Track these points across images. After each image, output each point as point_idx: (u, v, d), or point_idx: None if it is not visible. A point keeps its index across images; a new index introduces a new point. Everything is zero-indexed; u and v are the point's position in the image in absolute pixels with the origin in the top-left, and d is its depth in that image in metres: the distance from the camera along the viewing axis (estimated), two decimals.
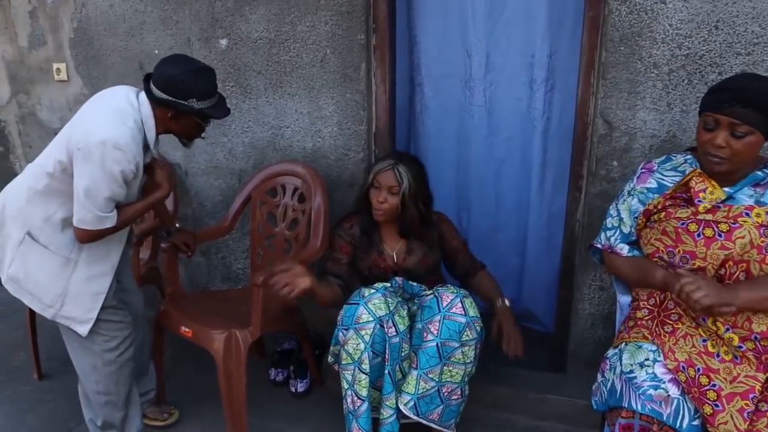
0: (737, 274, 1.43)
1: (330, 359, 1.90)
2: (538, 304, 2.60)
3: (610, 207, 1.71)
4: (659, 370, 1.43)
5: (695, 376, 1.40)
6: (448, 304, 1.74)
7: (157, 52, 2.46)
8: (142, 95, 1.70)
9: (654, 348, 1.48)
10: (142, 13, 2.45)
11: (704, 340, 1.44)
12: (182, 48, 2.41)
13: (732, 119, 1.40)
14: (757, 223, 1.40)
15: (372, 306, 1.71)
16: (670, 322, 1.50)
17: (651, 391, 1.40)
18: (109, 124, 1.60)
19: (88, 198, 1.59)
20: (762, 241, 1.40)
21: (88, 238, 1.66)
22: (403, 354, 1.77)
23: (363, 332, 1.69)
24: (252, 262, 2.38)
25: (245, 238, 2.52)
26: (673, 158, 1.63)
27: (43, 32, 2.66)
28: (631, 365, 1.47)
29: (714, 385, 1.38)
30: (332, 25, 2.20)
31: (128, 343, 1.83)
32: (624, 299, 1.71)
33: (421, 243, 1.97)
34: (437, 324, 1.72)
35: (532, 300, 2.61)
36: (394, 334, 1.74)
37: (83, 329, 1.74)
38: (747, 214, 1.42)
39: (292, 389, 2.29)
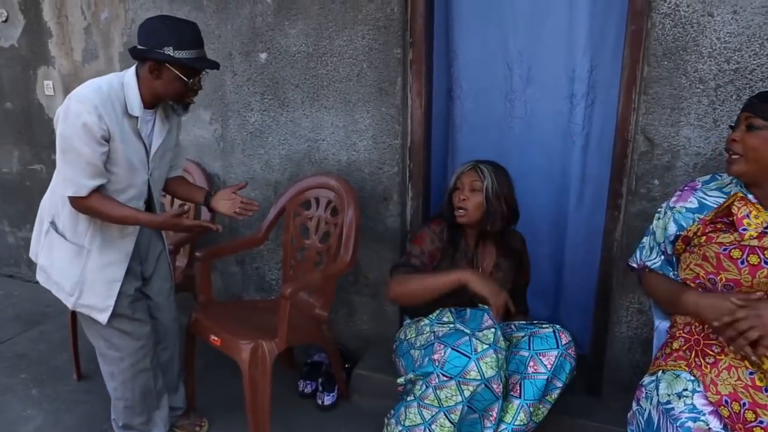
0: None
1: (401, 381, 1.80)
2: (575, 323, 2.51)
3: (653, 223, 1.65)
4: (699, 401, 1.35)
5: (740, 411, 1.31)
6: (567, 343, 1.73)
7: None
8: (134, 66, 1.71)
9: (692, 378, 1.40)
10: None
11: (751, 373, 1.35)
12: (223, 61, 2.47)
13: (748, 113, 1.37)
14: None
15: (483, 364, 1.60)
16: (712, 353, 1.41)
17: (690, 424, 1.32)
18: (86, 84, 1.63)
19: (59, 158, 1.62)
20: None
21: (73, 204, 1.66)
22: None
23: (465, 387, 1.62)
24: (284, 273, 2.40)
25: (279, 249, 2.54)
26: (719, 178, 1.55)
27: (96, 47, 2.78)
28: (669, 395, 1.40)
29: (762, 422, 1.29)
30: (369, 40, 2.21)
31: (141, 355, 1.84)
32: (662, 324, 1.63)
33: (508, 260, 1.94)
34: (553, 359, 1.70)
35: (568, 319, 2.53)
36: (501, 392, 1.66)
37: (103, 317, 1.76)
38: None
39: (319, 401, 2.28)
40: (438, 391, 1.63)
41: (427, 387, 1.66)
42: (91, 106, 1.57)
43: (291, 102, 2.40)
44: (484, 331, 1.67)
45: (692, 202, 1.52)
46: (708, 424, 1.31)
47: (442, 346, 1.66)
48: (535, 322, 1.85)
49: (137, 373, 1.84)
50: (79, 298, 1.77)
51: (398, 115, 2.24)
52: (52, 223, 1.77)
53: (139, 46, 1.64)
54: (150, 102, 1.71)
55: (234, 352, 1.92)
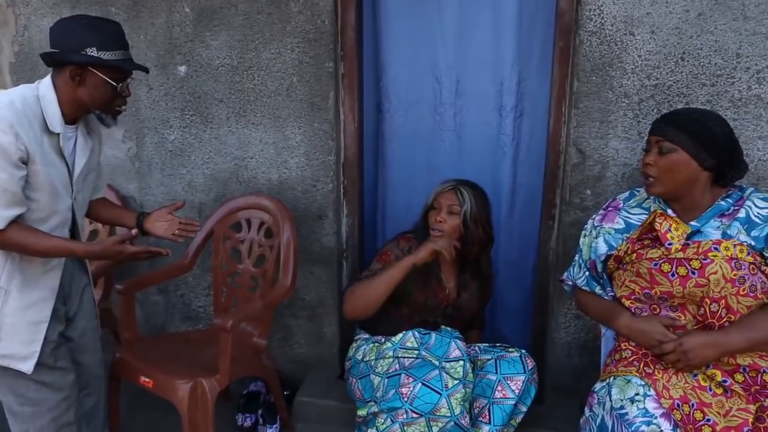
0: (719, 311, 1.42)
1: (362, 413, 1.74)
2: (511, 329, 2.57)
3: (580, 241, 1.71)
4: (650, 405, 1.41)
5: (689, 412, 1.38)
6: (532, 368, 1.74)
7: None
8: (47, 77, 1.50)
9: (643, 383, 1.46)
10: None
11: (695, 375, 1.44)
12: (137, 74, 2.23)
13: (657, 136, 1.47)
14: (727, 256, 1.41)
15: (454, 401, 1.57)
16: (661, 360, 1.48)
17: (644, 428, 1.37)
18: None
19: None
20: (734, 275, 1.40)
21: None
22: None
23: (435, 424, 1.57)
24: (215, 301, 2.25)
25: (206, 275, 2.38)
26: (637, 193, 1.64)
27: None
28: (621, 400, 1.44)
29: (708, 420, 1.37)
30: (299, 53, 2.12)
31: (64, 408, 1.61)
32: (609, 332, 1.69)
33: (474, 279, 1.92)
34: (521, 384, 1.70)
35: (504, 325, 2.58)
36: (468, 423, 1.63)
37: (27, 366, 1.52)
38: (716, 249, 1.42)
39: None
40: (405, 427, 1.59)
41: (393, 422, 1.61)
42: (6, 125, 1.37)
43: (215, 118, 2.25)
44: (452, 363, 1.65)
45: (619, 223, 1.60)
46: (660, 427, 1.37)
47: (411, 379, 1.62)
48: (499, 345, 1.86)
49: (59, 429, 1.61)
50: None
51: (331, 131, 2.18)
52: None
53: (54, 50, 1.45)
54: (72, 115, 1.52)
55: (170, 393, 1.75)
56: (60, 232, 1.55)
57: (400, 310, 1.86)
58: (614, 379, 1.52)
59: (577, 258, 1.72)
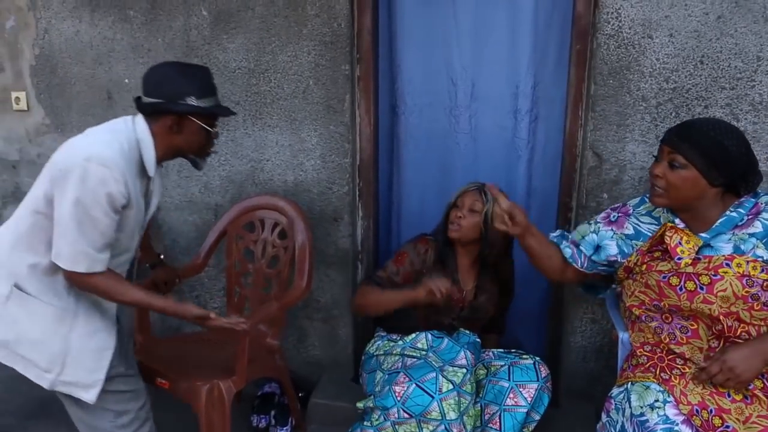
0: (732, 325, 1.40)
1: (360, 406, 1.75)
2: (526, 333, 2.55)
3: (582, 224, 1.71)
4: (671, 411, 1.40)
5: (708, 418, 1.37)
6: (546, 376, 1.73)
7: (127, 81, 2.34)
8: (139, 116, 1.51)
9: (662, 389, 1.45)
10: (111, 41, 2.32)
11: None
12: None
13: (670, 148, 1.42)
14: (739, 273, 1.37)
15: (446, 405, 1.58)
16: (677, 366, 1.47)
17: None
18: (96, 140, 1.42)
19: (65, 226, 1.37)
20: (746, 292, 1.36)
21: (71, 280, 1.43)
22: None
23: (425, 426, 1.59)
24: (228, 301, 2.26)
25: (222, 276, 2.39)
26: (647, 200, 1.61)
27: (1, 59, 2.49)
28: (641, 407, 1.43)
29: (728, 427, 1.35)
30: (315, 56, 2.13)
31: (143, 417, 1.60)
32: (625, 336, 1.68)
33: (493, 282, 1.92)
34: (533, 392, 1.69)
35: (519, 329, 2.57)
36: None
37: (90, 395, 1.48)
38: (727, 265, 1.39)
39: None
40: (397, 426, 1.60)
41: (385, 419, 1.62)
42: (119, 173, 1.38)
43: (231, 120, 2.27)
44: (455, 369, 1.65)
45: (628, 229, 1.58)
46: None
47: (406, 378, 1.63)
48: (513, 351, 1.85)
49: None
50: (60, 374, 1.48)
51: (347, 133, 2.18)
52: (17, 286, 1.46)
53: (153, 100, 1.46)
54: (163, 159, 1.54)
55: (187, 395, 1.77)
56: (124, 266, 1.58)
57: (415, 310, 1.86)
58: (632, 384, 1.51)
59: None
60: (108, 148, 1.40)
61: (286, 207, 2.15)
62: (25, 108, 2.51)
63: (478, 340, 1.73)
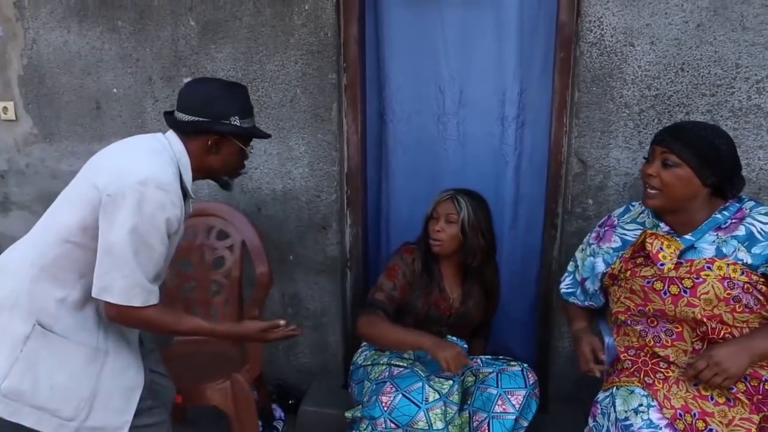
0: (716, 327, 1.41)
1: (348, 415, 1.76)
2: (515, 339, 2.57)
3: (576, 254, 1.74)
4: (654, 415, 1.41)
5: (692, 421, 1.38)
6: (534, 383, 1.73)
7: (115, 90, 2.35)
8: (170, 133, 1.42)
9: (646, 393, 1.46)
10: (100, 50, 2.33)
11: (695, 385, 1.43)
12: (143, 87, 2.31)
13: (663, 148, 1.44)
14: (720, 276, 1.39)
15: (432, 415, 1.58)
16: (661, 369, 1.48)
17: None
18: (148, 161, 1.30)
19: (119, 258, 1.23)
20: (728, 294, 1.39)
21: (119, 316, 1.29)
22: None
23: None
24: None
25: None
26: (632, 208, 1.64)
27: None
28: (626, 412, 1.45)
29: (711, 430, 1.37)
30: (302, 65, 2.15)
31: None
32: (610, 340, 1.69)
33: (479, 287, 1.92)
34: (521, 399, 1.69)
35: (509, 335, 2.58)
36: None
37: None
38: (709, 268, 1.41)
39: None
40: None
41: (373, 429, 1.62)
42: (176, 197, 1.29)
43: None
44: (442, 379, 1.66)
45: (615, 241, 1.60)
46: None
47: (393, 388, 1.63)
48: (501, 357, 1.86)
49: None
50: (85, 419, 1.33)
51: (335, 141, 2.20)
52: (40, 324, 1.29)
53: (195, 118, 1.37)
54: (194, 179, 1.44)
55: (208, 398, 1.75)
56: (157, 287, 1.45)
57: (404, 320, 1.87)
58: (617, 389, 1.53)
59: (570, 265, 1.76)
60: (162, 171, 1.30)
61: (216, 208, 2.16)
62: (14, 118, 2.51)
63: (466, 346, 1.74)
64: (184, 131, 1.40)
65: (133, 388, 1.40)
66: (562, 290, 1.78)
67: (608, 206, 1.96)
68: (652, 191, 1.47)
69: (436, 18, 2.30)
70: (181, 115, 1.40)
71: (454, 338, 1.80)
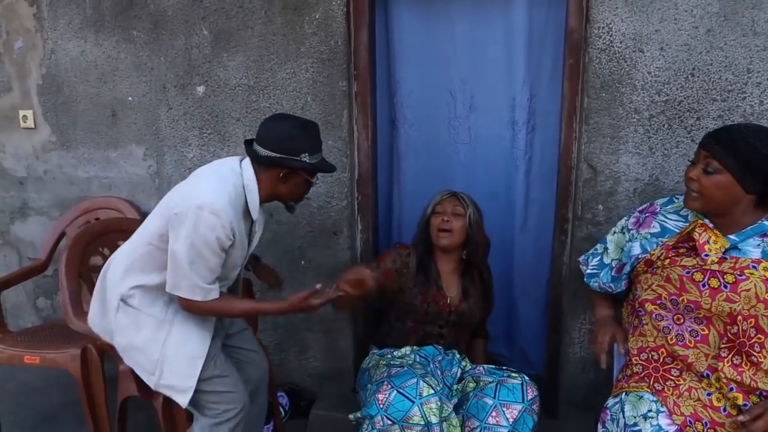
0: (748, 330, 1.39)
1: (351, 418, 1.78)
2: (529, 343, 2.57)
3: (607, 237, 1.71)
4: (663, 421, 1.41)
5: (703, 430, 1.38)
6: (532, 398, 1.71)
7: (130, 98, 2.40)
8: (246, 161, 1.65)
9: (655, 399, 1.46)
10: (115, 60, 2.38)
11: (708, 394, 1.42)
12: (157, 94, 2.35)
13: (706, 152, 1.41)
14: (765, 276, 1.37)
15: (426, 410, 1.59)
16: (672, 377, 1.48)
17: None
18: (208, 188, 1.56)
19: (180, 264, 1.53)
20: None
21: (187, 306, 1.61)
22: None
23: (409, 431, 1.60)
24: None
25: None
26: (676, 200, 1.59)
27: (9, 78, 2.56)
28: (635, 417, 1.45)
29: None
30: (313, 72, 2.18)
31: (238, 419, 1.70)
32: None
33: (476, 286, 1.93)
34: (516, 413, 1.68)
35: (522, 339, 2.58)
36: None
37: (183, 399, 1.65)
38: (754, 267, 1.38)
39: None
40: None
41: (372, 428, 1.64)
42: (227, 221, 1.53)
43: (232, 136, 2.32)
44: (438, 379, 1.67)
45: (655, 227, 1.56)
46: None
47: (388, 386, 1.65)
48: (504, 368, 1.85)
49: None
50: (160, 377, 1.65)
51: (345, 148, 2.22)
52: (122, 300, 1.66)
53: (271, 153, 1.59)
54: (264, 202, 1.68)
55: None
56: (223, 286, 1.71)
57: (404, 323, 1.89)
58: (626, 395, 1.52)
59: (598, 247, 1.73)
60: (218, 197, 1.53)
61: (117, 202, 2.38)
62: (32, 126, 2.57)
63: (459, 356, 1.76)
64: (259, 162, 1.62)
65: (196, 357, 1.65)
66: (588, 271, 1.73)
67: (618, 212, 1.96)
68: (694, 193, 1.44)
69: (445, 25, 2.32)
70: (258, 148, 1.62)
71: (457, 354, 1.81)
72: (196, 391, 1.65)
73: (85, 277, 2.12)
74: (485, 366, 1.88)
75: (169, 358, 1.64)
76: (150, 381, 1.67)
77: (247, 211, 1.63)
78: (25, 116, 2.57)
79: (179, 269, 1.55)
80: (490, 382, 1.76)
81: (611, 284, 1.68)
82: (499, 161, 2.44)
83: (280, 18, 2.16)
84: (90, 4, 2.36)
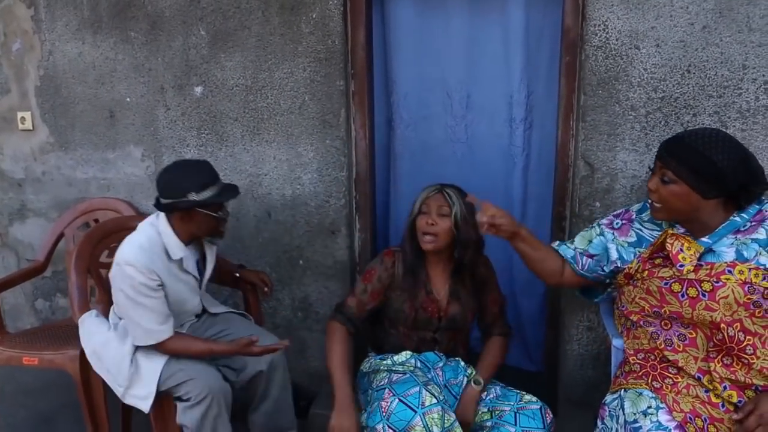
0: (736, 335, 1.39)
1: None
2: (528, 337, 2.58)
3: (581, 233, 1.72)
4: (663, 417, 1.41)
5: (703, 426, 1.38)
6: (551, 422, 1.70)
7: (128, 99, 2.40)
8: (161, 213, 1.82)
9: (654, 395, 1.46)
10: (113, 61, 2.39)
11: (706, 391, 1.42)
12: (155, 95, 2.36)
13: (661, 164, 1.43)
14: (741, 280, 1.37)
15: (429, 420, 1.55)
16: (670, 375, 1.48)
17: None
18: (123, 246, 1.76)
19: (127, 315, 1.75)
20: (748, 299, 1.36)
21: (159, 348, 1.77)
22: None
23: None
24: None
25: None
26: (648, 207, 1.61)
27: (7, 80, 2.56)
28: (635, 414, 1.45)
29: None
30: (310, 72, 2.18)
31: (208, 402, 1.77)
32: (618, 342, 1.69)
33: (467, 288, 1.85)
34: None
35: (522, 333, 2.58)
36: None
37: (145, 405, 1.79)
38: (730, 272, 1.38)
39: None
40: None
41: None
42: (144, 268, 1.71)
43: (230, 136, 2.32)
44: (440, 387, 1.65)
45: (632, 236, 1.59)
46: None
47: (390, 394, 1.62)
48: (516, 391, 1.81)
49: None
50: (127, 390, 1.83)
51: (343, 147, 2.22)
52: (114, 325, 1.90)
53: (164, 200, 1.77)
54: (188, 240, 1.84)
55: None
56: (189, 316, 1.95)
57: (397, 329, 1.85)
58: (625, 391, 1.52)
59: (568, 242, 1.72)
60: (129, 249, 1.74)
61: (116, 203, 2.39)
62: (30, 127, 2.57)
63: (468, 371, 1.75)
64: (163, 211, 1.80)
65: (156, 369, 1.79)
66: (558, 246, 1.72)
67: (615, 209, 1.94)
68: (656, 204, 1.46)
69: (442, 23, 2.33)
70: (160, 199, 1.79)
71: (461, 362, 1.80)
72: (163, 386, 1.78)
73: (93, 273, 2.12)
74: (497, 387, 1.83)
75: (134, 372, 1.80)
76: (118, 392, 1.83)
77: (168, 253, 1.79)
78: (23, 118, 2.57)
79: (129, 321, 1.76)
80: (508, 411, 1.73)
81: (586, 272, 1.66)
82: (497, 158, 2.45)
83: (277, 18, 2.17)
84: (87, 6, 2.37)
